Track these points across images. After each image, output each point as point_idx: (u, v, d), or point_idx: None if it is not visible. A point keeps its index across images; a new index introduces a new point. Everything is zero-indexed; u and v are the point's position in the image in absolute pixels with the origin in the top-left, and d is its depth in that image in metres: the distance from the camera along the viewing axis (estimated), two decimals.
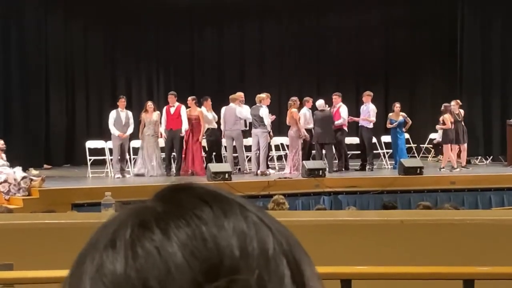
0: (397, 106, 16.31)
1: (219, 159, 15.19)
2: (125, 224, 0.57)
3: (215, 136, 15.30)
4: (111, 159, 15.25)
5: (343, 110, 15.84)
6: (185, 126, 14.80)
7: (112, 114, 15.01)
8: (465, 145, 15.82)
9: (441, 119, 15.92)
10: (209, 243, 0.55)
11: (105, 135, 15.88)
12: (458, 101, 16.07)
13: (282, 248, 0.57)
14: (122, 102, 15.21)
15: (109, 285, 0.55)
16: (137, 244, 0.56)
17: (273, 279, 0.55)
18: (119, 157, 14.85)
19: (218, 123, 15.43)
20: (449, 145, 15.60)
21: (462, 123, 15.81)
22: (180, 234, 0.55)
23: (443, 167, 15.56)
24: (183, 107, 15.03)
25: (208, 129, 15.10)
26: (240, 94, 15.52)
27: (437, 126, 16.18)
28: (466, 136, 15.81)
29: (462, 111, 15.90)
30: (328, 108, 15.77)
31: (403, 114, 16.31)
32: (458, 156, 15.84)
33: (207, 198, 0.58)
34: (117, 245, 0.56)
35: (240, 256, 0.55)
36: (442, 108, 16.09)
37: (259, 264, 0.55)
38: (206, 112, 15.12)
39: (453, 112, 15.73)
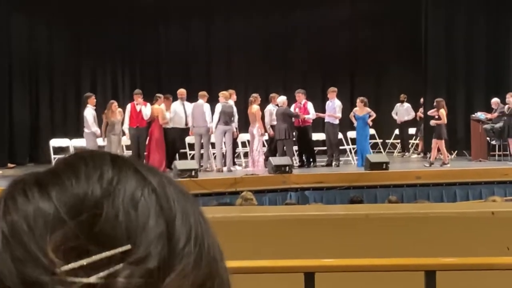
0: (357, 101, 16.27)
1: (172, 157, 15.10)
2: (7, 186, 0.64)
3: (172, 135, 15.27)
4: None
5: (311, 106, 15.93)
6: (145, 116, 14.85)
7: (91, 112, 14.79)
8: None
9: (434, 113, 15.89)
10: (74, 189, 0.61)
11: (70, 133, 15.71)
12: None
13: (153, 187, 0.63)
14: (93, 99, 15.06)
15: None
16: (10, 198, 0.62)
17: (139, 211, 0.61)
18: None
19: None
20: (443, 140, 15.60)
21: None
22: (53, 186, 0.62)
23: (433, 163, 15.51)
24: (148, 105, 15.02)
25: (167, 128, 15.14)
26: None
27: (432, 121, 15.92)
28: None
29: None
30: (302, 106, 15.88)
31: (367, 109, 16.25)
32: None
33: (86, 155, 0.65)
34: None
35: (102, 195, 0.61)
36: (435, 103, 16.05)
37: (125, 201, 0.61)
38: (164, 111, 15.14)
39: (509, 105, 15.73)
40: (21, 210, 0.60)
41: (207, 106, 15.12)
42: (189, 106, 15.48)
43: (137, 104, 15.05)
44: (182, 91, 15.64)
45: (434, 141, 15.74)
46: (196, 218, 0.65)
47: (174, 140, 15.37)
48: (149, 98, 15.31)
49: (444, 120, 15.67)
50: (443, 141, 15.59)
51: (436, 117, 15.78)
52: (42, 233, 0.59)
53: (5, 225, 0.60)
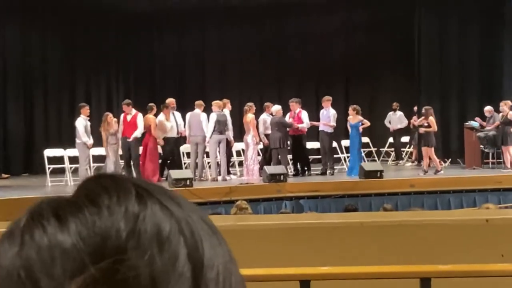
0: (350, 109, 16.25)
1: (172, 167, 15.06)
2: (24, 215, 0.61)
3: (170, 145, 15.23)
4: (71, 168, 15.13)
5: (305, 115, 15.94)
6: (140, 131, 14.77)
7: (82, 122, 14.79)
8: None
9: (423, 121, 15.87)
10: (97, 227, 0.57)
11: (64, 143, 15.66)
12: (509, 102, 15.92)
13: (180, 228, 0.59)
14: (87, 110, 15.05)
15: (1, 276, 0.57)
16: (27, 233, 0.58)
17: (165, 257, 0.57)
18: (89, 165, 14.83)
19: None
20: (432, 148, 15.59)
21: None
22: (74, 222, 0.58)
23: (427, 171, 15.51)
24: (139, 115, 14.97)
25: (164, 137, 15.07)
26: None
27: (421, 129, 15.88)
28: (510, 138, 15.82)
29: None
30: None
31: (359, 117, 16.11)
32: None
33: (109, 185, 0.61)
34: (14, 235, 0.59)
35: (127, 237, 0.57)
36: (423, 111, 16.03)
37: (150, 244, 0.57)
38: (164, 120, 15.10)
39: (502, 113, 15.74)
40: (38, 248, 0.57)
41: (204, 115, 15.15)
42: (179, 115, 15.50)
43: (127, 114, 15.05)
44: (172, 101, 15.66)
45: (423, 149, 15.78)
46: (223, 258, 0.61)
47: (173, 150, 15.37)
48: (143, 107, 15.29)
49: (435, 127, 15.70)
50: (432, 148, 15.62)
51: (426, 124, 15.81)
52: (60, 278, 0.56)
53: (20, 264, 0.57)
